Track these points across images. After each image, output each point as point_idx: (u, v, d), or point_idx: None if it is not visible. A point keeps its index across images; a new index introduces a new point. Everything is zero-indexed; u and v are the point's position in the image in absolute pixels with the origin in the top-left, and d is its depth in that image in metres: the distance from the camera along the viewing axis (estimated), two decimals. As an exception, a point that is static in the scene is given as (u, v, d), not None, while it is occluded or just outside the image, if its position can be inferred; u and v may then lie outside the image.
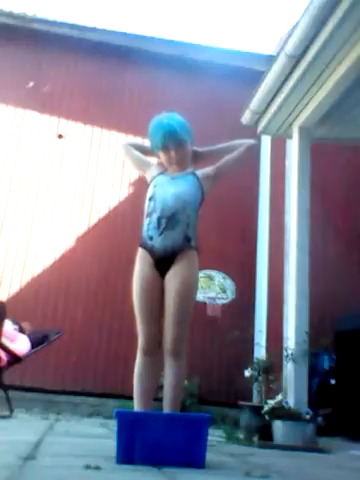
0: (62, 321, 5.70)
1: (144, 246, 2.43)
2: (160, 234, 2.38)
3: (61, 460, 2.04)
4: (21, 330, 4.68)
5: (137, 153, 2.71)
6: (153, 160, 2.69)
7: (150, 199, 2.48)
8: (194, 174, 2.56)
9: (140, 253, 2.45)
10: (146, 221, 2.45)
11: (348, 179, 6.25)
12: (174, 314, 2.33)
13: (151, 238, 2.40)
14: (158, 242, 2.38)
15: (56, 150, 6.52)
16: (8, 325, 4.61)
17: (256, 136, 4.73)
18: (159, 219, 2.39)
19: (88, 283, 5.96)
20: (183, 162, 2.56)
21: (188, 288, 2.38)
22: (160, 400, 2.39)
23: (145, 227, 2.45)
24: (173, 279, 2.36)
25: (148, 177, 2.61)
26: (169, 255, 2.37)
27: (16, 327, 4.68)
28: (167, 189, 2.46)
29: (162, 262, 2.38)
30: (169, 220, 2.38)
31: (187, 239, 2.40)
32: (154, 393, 2.43)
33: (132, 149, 2.72)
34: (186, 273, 2.37)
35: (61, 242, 6.14)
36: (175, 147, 2.51)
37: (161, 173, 2.57)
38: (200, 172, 2.59)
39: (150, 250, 2.40)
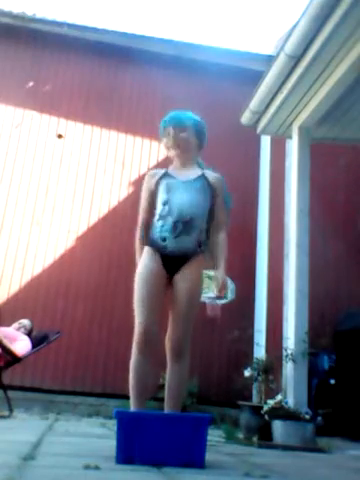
0: (62, 321, 5.70)
1: (154, 246, 2.43)
2: (175, 237, 2.40)
3: (61, 460, 2.04)
4: (29, 333, 4.70)
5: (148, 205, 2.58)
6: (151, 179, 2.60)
7: (164, 204, 2.46)
8: (204, 178, 2.54)
9: (148, 250, 2.45)
10: (159, 223, 2.44)
11: (348, 179, 6.25)
12: (182, 313, 2.37)
13: (164, 239, 2.41)
14: (172, 244, 2.40)
15: (56, 150, 6.51)
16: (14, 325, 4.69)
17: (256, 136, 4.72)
18: (175, 223, 2.40)
19: (88, 283, 5.96)
20: (183, 147, 2.56)
21: (196, 291, 2.44)
22: (160, 400, 2.39)
23: (157, 229, 2.44)
24: (183, 280, 2.40)
25: (153, 186, 2.55)
26: (179, 257, 2.41)
27: (25, 329, 4.72)
28: (182, 195, 2.46)
29: (171, 263, 2.41)
30: (185, 225, 2.41)
31: (199, 244, 2.46)
32: (149, 392, 2.42)
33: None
34: (195, 276, 2.44)
35: (61, 242, 6.14)
36: (174, 128, 2.55)
37: (166, 175, 2.54)
38: (210, 176, 2.57)
39: (161, 250, 2.41)
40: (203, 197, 2.50)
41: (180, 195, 2.45)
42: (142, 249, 2.50)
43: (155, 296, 2.38)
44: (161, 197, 2.49)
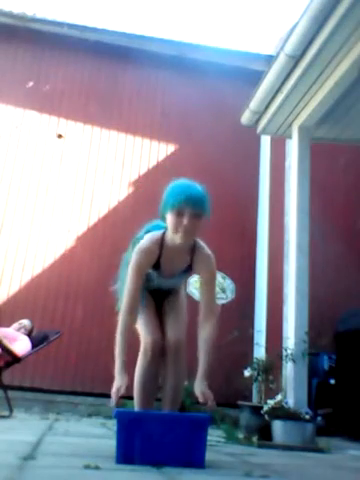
0: (62, 321, 5.70)
1: None
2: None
3: (61, 460, 2.04)
4: (29, 333, 4.70)
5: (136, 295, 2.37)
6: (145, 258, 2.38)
7: (148, 279, 2.45)
8: (188, 269, 2.44)
9: None
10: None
11: (348, 179, 6.25)
12: (176, 317, 2.50)
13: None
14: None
15: (56, 150, 6.52)
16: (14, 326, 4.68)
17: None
18: (156, 290, 2.57)
19: (88, 283, 5.95)
20: (190, 235, 2.27)
21: (183, 298, 2.65)
22: (159, 400, 2.39)
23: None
24: (172, 294, 2.60)
25: (149, 270, 2.42)
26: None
27: (25, 329, 4.70)
28: (164, 282, 2.52)
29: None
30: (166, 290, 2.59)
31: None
32: (155, 396, 2.45)
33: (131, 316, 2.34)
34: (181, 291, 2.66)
35: (61, 242, 6.14)
36: (191, 214, 2.20)
37: (158, 265, 2.38)
38: (197, 265, 2.38)
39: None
40: (185, 276, 2.56)
41: (163, 282, 2.52)
42: (126, 336, 2.26)
43: (156, 314, 2.52)
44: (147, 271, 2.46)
